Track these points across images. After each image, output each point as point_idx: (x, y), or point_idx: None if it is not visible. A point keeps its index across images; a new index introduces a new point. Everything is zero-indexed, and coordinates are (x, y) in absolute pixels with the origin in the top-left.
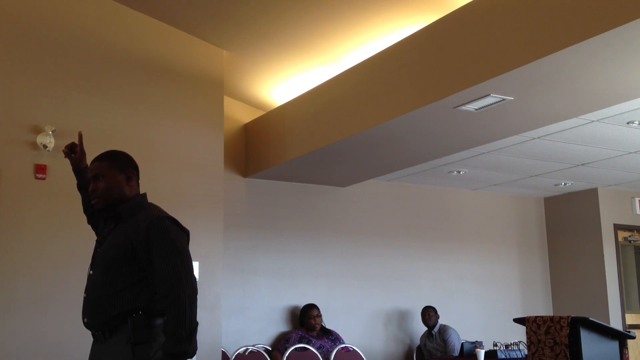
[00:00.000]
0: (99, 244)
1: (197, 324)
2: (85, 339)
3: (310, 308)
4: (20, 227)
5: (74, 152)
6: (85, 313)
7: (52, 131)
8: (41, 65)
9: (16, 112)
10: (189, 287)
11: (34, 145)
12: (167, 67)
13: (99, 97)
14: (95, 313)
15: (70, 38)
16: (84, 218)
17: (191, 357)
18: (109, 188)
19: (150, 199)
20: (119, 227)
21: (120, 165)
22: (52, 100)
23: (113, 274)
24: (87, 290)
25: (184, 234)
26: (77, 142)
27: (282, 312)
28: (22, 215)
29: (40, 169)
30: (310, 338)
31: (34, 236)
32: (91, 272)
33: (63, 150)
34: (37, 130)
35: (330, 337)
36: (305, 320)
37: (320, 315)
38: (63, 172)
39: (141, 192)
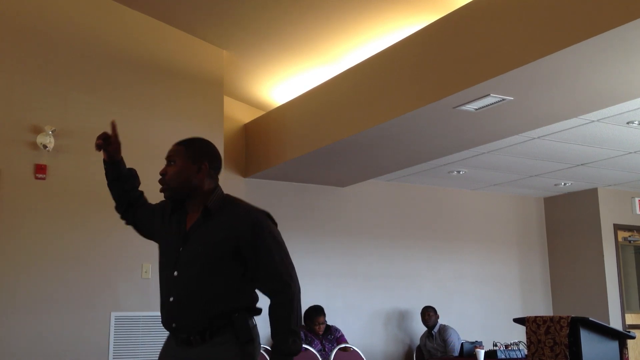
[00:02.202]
0: (182, 241)
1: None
2: (85, 339)
3: (317, 315)
4: (20, 227)
5: (108, 143)
6: (175, 317)
7: (52, 131)
8: (41, 65)
9: (16, 112)
10: (297, 282)
11: (34, 145)
12: (167, 67)
13: (99, 97)
14: (193, 316)
15: (70, 38)
16: (84, 218)
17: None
18: (177, 174)
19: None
20: (210, 223)
21: (193, 154)
22: (52, 100)
23: (213, 273)
24: (175, 293)
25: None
26: (108, 132)
27: None
28: (22, 215)
29: (40, 169)
30: (313, 338)
31: (34, 236)
32: (176, 273)
33: (97, 143)
34: (37, 130)
35: (329, 337)
36: (309, 324)
37: (325, 322)
38: (63, 172)
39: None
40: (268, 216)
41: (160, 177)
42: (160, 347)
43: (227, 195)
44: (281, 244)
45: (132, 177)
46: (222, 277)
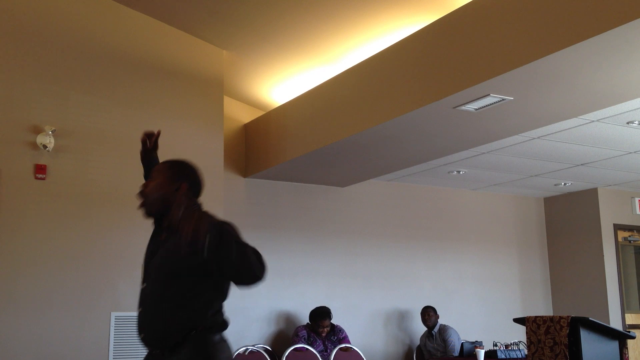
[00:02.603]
0: (150, 254)
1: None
2: (85, 339)
3: (322, 318)
4: (20, 227)
5: (150, 138)
6: (141, 329)
7: (52, 131)
8: (41, 65)
9: (16, 112)
10: (262, 271)
11: (34, 145)
12: (167, 67)
13: (99, 97)
14: (153, 329)
15: (70, 38)
16: (84, 218)
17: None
18: (155, 189)
19: None
20: (172, 239)
21: (174, 173)
22: (52, 100)
23: (171, 287)
24: (142, 304)
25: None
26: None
27: (282, 312)
28: (22, 215)
29: (40, 169)
30: (316, 338)
31: (34, 236)
32: (144, 285)
33: (142, 138)
34: (37, 130)
35: (333, 338)
36: (314, 325)
37: (330, 324)
38: (63, 172)
39: (134, 197)
40: (230, 225)
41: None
42: None
43: (200, 212)
44: (241, 243)
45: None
46: (180, 293)
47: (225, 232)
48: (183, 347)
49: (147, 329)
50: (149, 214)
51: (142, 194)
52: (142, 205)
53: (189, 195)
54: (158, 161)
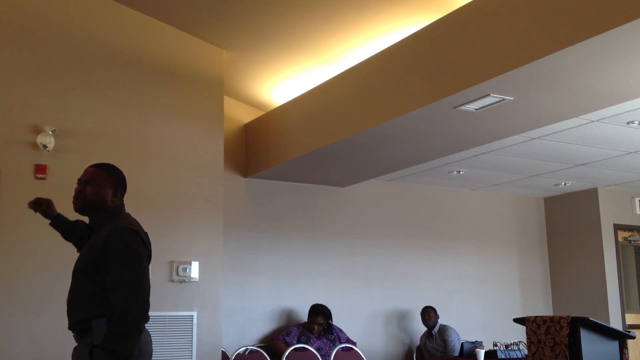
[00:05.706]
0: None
1: (135, 345)
2: None
3: (315, 314)
4: (20, 227)
5: (39, 204)
6: (67, 316)
7: (52, 131)
8: (41, 65)
9: (16, 112)
10: (136, 300)
11: (34, 145)
12: (167, 67)
13: (98, 97)
14: (70, 317)
15: (70, 38)
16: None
17: None
18: (95, 194)
19: (149, 199)
20: (91, 238)
21: (113, 181)
22: (52, 100)
23: (82, 281)
24: (68, 296)
25: (144, 245)
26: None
27: (281, 312)
28: (22, 215)
29: (40, 169)
30: (310, 336)
31: (34, 236)
32: (72, 279)
33: (29, 206)
34: (37, 130)
35: (329, 336)
36: (308, 322)
37: (324, 323)
38: (63, 172)
39: (134, 197)
40: (132, 232)
41: (76, 194)
42: (158, 347)
43: (122, 214)
44: (129, 260)
45: (77, 226)
46: (88, 286)
47: (123, 241)
48: (91, 331)
49: (69, 316)
50: (81, 212)
51: (82, 195)
52: (78, 204)
53: (120, 198)
54: (63, 217)
